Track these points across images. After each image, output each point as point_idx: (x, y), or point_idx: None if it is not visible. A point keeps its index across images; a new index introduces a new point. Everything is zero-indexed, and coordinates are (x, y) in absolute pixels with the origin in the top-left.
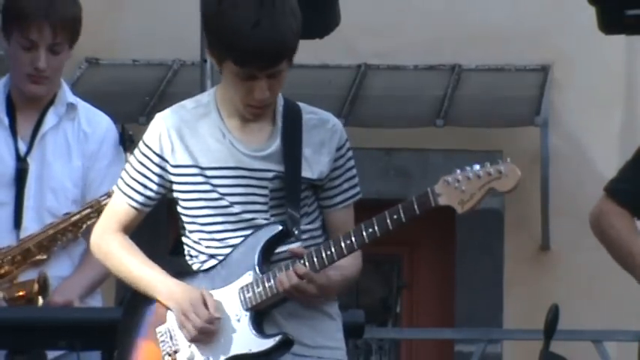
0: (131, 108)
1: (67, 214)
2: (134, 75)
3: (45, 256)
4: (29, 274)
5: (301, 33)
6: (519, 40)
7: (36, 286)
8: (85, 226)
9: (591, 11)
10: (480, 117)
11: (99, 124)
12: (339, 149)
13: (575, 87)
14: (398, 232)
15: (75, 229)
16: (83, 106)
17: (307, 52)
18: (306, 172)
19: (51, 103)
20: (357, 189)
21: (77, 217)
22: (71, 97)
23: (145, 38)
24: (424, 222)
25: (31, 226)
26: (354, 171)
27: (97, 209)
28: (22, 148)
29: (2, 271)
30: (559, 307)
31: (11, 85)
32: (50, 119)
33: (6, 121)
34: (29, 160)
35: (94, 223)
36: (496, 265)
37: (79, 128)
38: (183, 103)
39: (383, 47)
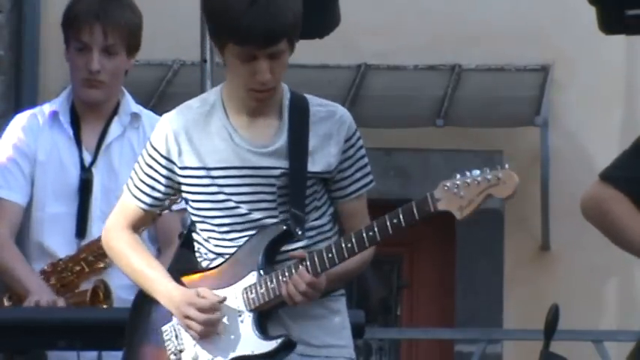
0: None
1: None
2: (134, 75)
3: (103, 264)
4: (90, 283)
5: (301, 33)
6: (519, 40)
7: (100, 294)
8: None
9: (591, 11)
10: (480, 117)
11: None
12: (347, 140)
13: (576, 87)
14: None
15: None
16: (146, 114)
17: (307, 52)
18: (312, 166)
19: (115, 113)
20: (370, 177)
21: None
22: (135, 107)
23: (145, 38)
24: (424, 222)
25: (98, 235)
26: (366, 160)
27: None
28: (87, 158)
29: (65, 281)
30: (559, 307)
31: (74, 95)
32: (115, 129)
33: (70, 131)
34: (94, 170)
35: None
36: (496, 265)
37: (145, 136)
38: (189, 103)
39: (383, 47)
